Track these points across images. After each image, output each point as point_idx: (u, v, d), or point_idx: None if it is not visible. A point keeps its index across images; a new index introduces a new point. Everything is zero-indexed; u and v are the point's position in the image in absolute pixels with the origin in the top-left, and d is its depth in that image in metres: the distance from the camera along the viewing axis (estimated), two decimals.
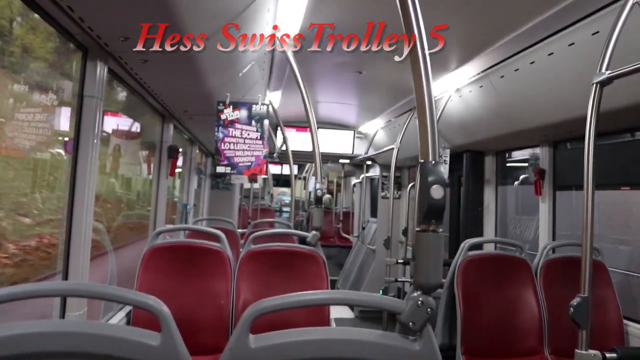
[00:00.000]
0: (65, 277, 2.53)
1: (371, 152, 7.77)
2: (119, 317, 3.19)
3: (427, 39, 1.51)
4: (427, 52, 1.49)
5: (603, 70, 2.34)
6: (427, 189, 1.40)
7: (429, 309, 1.42)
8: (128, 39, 2.37)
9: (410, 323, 1.43)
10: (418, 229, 1.47)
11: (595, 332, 3.03)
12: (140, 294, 1.46)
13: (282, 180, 16.03)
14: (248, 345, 1.39)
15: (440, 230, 1.46)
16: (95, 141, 2.59)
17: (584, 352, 2.24)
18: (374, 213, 9.54)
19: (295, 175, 6.66)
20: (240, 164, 3.76)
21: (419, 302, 1.43)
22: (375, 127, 7.45)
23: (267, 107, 3.80)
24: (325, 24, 3.39)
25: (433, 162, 1.44)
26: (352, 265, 8.96)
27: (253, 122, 3.76)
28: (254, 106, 3.77)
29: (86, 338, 1.36)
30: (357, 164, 9.16)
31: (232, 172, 3.77)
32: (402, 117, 6.14)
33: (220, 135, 3.73)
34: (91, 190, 2.59)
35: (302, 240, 3.55)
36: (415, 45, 1.49)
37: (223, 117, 3.72)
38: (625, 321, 3.51)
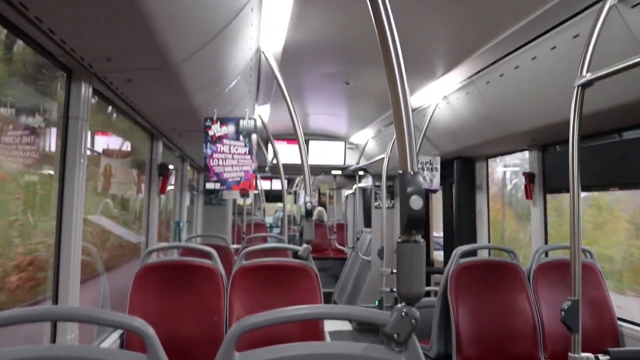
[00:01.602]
0: (55, 300, 2.51)
1: (362, 162, 7.79)
2: (112, 339, 3.17)
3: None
4: (401, 62, 1.50)
5: (584, 73, 2.36)
6: (406, 199, 1.40)
7: (413, 320, 1.42)
8: (111, 59, 2.38)
9: (395, 334, 1.42)
10: (399, 240, 1.47)
11: (590, 335, 3.04)
12: (126, 316, 1.46)
13: (272, 196, 16.01)
14: None
15: (421, 240, 1.46)
16: (82, 161, 2.58)
17: (577, 355, 2.23)
18: (367, 223, 9.54)
19: (286, 190, 6.66)
20: (229, 180, 3.75)
21: (403, 313, 1.42)
22: (366, 137, 7.47)
23: (255, 122, 3.80)
24: (309, 37, 3.42)
25: (412, 172, 1.44)
26: (347, 277, 8.94)
27: (241, 137, 3.75)
28: (241, 121, 3.77)
29: None
30: (349, 175, 9.17)
31: (222, 187, 3.77)
32: (391, 127, 6.15)
33: (209, 151, 3.72)
34: (79, 210, 2.58)
35: (296, 255, 3.54)
36: (389, 55, 1.50)
37: (211, 133, 3.72)
38: (619, 322, 3.51)
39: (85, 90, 2.58)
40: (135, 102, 3.29)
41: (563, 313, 2.31)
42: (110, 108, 3.41)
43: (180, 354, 3.21)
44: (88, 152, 2.77)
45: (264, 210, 14.38)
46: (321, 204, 15.38)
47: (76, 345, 2.38)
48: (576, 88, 2.40)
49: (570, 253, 2.39)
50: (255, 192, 11.69)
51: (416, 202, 1.40)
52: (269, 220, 17.04)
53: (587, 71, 2.37)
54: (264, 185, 13.67)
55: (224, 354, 1.39)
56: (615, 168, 3.68)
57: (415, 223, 1.42)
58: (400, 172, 1.45)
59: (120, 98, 3.11)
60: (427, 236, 7.43)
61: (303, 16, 3.10)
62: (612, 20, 2.41)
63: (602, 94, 2.71)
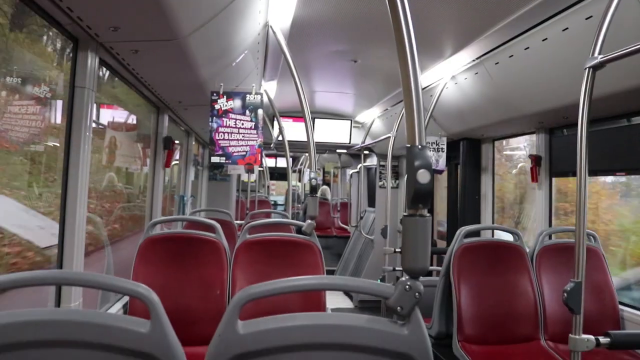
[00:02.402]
0: (60, 268, 2.53)
1: (368, 142, 7.77)
2: (116, 308, 3.20)
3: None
4: (412, 35, 1.48)
5: (596, 54, 2.33)
6: (414, 173, 1.40)
7: (417, 293, 1.42)
8: (118, 29, 2.36)
9: (399, 307, 1.42)
10: (405, 213, 1.47)
11: (591, 318, 3.04)
12: (130, 282, 1.47)
13: (276, 174, 16.00)
14: (237, 331, 1.40)
15: (428, 215, 1.45)
16: (87, 132, 2.58)
17: (577, 336, 2.24)
18: (371, 203, 9.55)
19: (291, 168, 6.66)
20: (234, 154, 3.75)
21: (407, 287, 1.42)
22: (372, 116, 7.44)
23: (261, 97, 3.78)
24: (318, 13, 3.38)
25: (419, 146, 1.43)
26: (350, 255, 8.99)
27: (247, 112, 3.74)
28: (247, 96, 3.76)
29: (76, 326, 1.37)
30: (354, 154, 9.15)
31: (227, 162, 3.76)
32: (398, 106, 6.13)
33: (214, 125, 3.71)
34: (84, 181, 2.58)
35: (299, 231, 3.55)
36: (400, 29, 1.48)
37: (217, 107, 3.71)
38: (620, 307, 3.52)
39: (92, 60, 2.57)
40: (142, 73, 3.28)
41: (565, 294, 2.31)
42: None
43: (182, 326, 3.21)
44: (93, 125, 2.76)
45: (268, 187, 14.39)
46: (325, 182, 15.38)
47: (82, 310, 2.41)
48: (587, 70, 2.37)
49: (575, 236, 2.38)
50: (260, 168, 11.72)
51: (423, 176, 1.39)
52: (278, 199, 16.93)
53: (599, 53, 2.34)
54: (269, 162, 13.67)
55: (228, 322, 1.41)
56: (622, 153, 3.66)
57: (422, 197, 1.41)
58: (408, 146, 1.44)
59: (127, 69, 3.10)
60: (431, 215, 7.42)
61: None
62: (626, 1, 2.37)
63: (611, 77, 2.68)
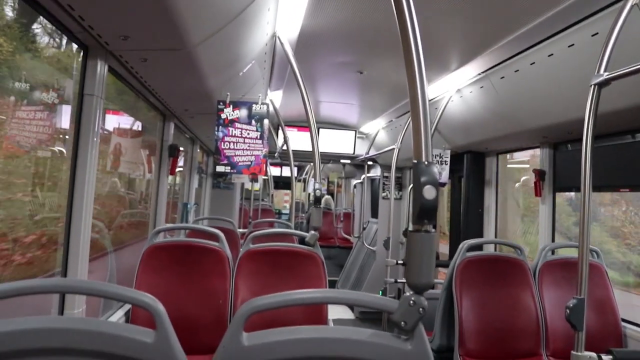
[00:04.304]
0: (64, 276, 2.54)
1: (372, 152, 7.78)
2: (118, 316, 3.20)
3: (422, 39, 1.51)
4: (420, 51, 1.49)
5: (601, 71, 2.35)
6: (420, 189, 1.40)
7: (421, 309, 1.42)
8: (128, 38, 2.38)
9: (402, 322, 1.43)
10: (411, 229, 1.47)
11: (593, 334, 3.04)
12: (136, 291, 1.47)
13: (281, 182, 16.00)
14: (241, 343, 1.40)
15: (433, 230, 1.46)
16: (95, 139, 2.59)
17: (579, 353, 2.24)
18: (374, 214, 9.55)
19: (295, 177, 6.67)
20: (240, 164, 3.76)
21: (411, 302, 1.43)
22: (377, 127, 7.45)
23: (267, 107, 3.80)
24: (325, 24, 3.40)
25: (426, 162, 1.44)
26: (352, 265, 8.97)
27: (253, 122, 3.76)
28: (254, 106, 3.78)
29: (81, 335, 1.37)
30: (358, 164, 9.16)
31: (232, 171, 3.78)
32: (403, 118, 6.14)
33: (220, 134, 3.73)
34: (90, 188, 2.60)
35: (302, 241, 3.55)
36: (409, 44, 1.49)
37: (223, 116, 3.73)
38: (623, 323, 3.51)
39: (101, 67, 2.59)
40: (150, 82, 3.30)
41: (568, 311, 2.31)
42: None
43: (184, 334, 3.22)
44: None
45: (272, 196, 14.40)
46: (329, 192, 15.39)
47: (86, 318, 2.41)
48: (592, 87, 2.38)
49: (578, 252, 2.38)
50: (265, 177, 11.73)
51: (429, 192, 1.40)
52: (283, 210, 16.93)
53: (605, 70, 2.35)
54: (274, 171, 13.67)
55: (233, 334, 1.41)
56: (627, 169, 3.66)
57: (427, 213, 1.42)
58: (415, 161, 1.45)
59: (135, 77, 3.12)
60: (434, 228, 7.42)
61: (320, 2, 3.09)
62: (632, 19, 2.39)
63: (617, 94, 2.70)
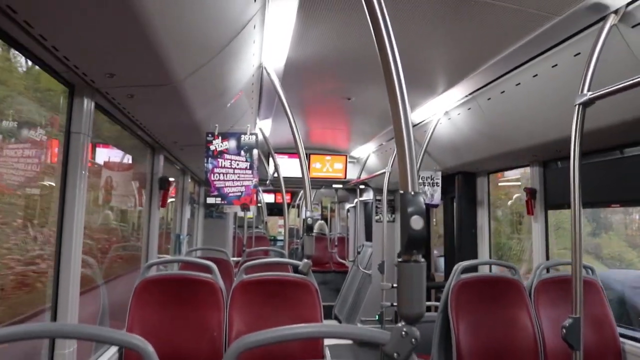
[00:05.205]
0: (54, 314, 2.51)
1: (364, 176, 7.80)
2: (111, 353, 3.16)
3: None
4: (403, 82, 1.50)
5: (585, 91, 2.37)
6: (407, 219, 1.40)
7: (413, 339, 1.42)
8: (114, 75, 2.39)
9: (395, 354, 1.42)
10: (400, 259, 1.47)
11: (591, 352, 3.03)
12: (125, 334, 1.46)
13: (275, 209, 15.96)
14: None
15: (422, 260, 1.46)
16: (83, 174, 2.59)
17: None
18: (368, 237, 9.53)
19: (289, 204, 6.68)
20: (230, 194, 3.76)
21: (403, 333, 1.42)
22: (367, 151, 7.48)
23: (256, 137, 3.81)
24: (311, 53, 3.43)
25: (412, 192, 1.44)
26: (348, 290, 8.92)
27: (242, 152, 3.77)
28: (242, 136, 3.78)
29: None
30: (350, 189, 9.17)
31: (223, 202, 3.77)
32: (393, 142, 6.17)
33: (210, 166, 3.73)
34: (79, 224, 2.58)
35: (296, 269, 3.54)
36: (390, 75, 1.51)
37: (212, 147, 3.73)
38: (621, 339, 3.49)
39: (88, 105, 2.60)
40: (137, 116, 3.31)
41: (564, 330, 2.31)
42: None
43: None
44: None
45: (266, 223, 14.35)
46: (323, 217, 15.36)
47: None
48: (577, 106, 2.41)
49: (571, 270, 2.38)
50: (258, 205, 11.69)
51: (417, 223, 1.40)
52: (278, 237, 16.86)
53: (588, 90, 2.38)
54: (268, 198, 13.65)
55: None
56: (616, 185, 3.68)
57: (415, 243, 1.42)
58: (401, 192, 1.46)
59: (122, 112, 3.13)
60: (428, 251, 7.42)
61: (305, 33, 3.12)
62: (612, 39, 2.43)
63: (603, 112, 2.72)
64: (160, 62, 2.22)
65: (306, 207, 3.57)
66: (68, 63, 2.17)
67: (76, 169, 2.55)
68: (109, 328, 1.51)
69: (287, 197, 13.86)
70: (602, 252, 5.12)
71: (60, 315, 2.52)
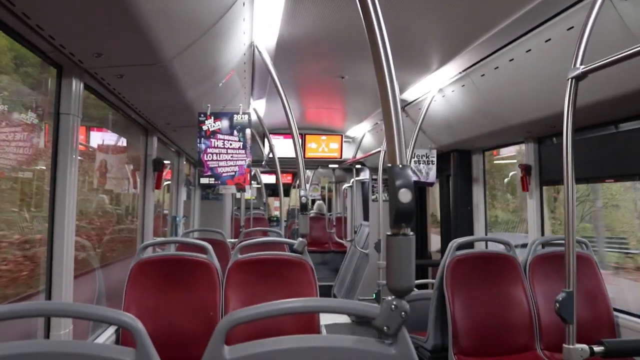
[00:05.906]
0: (49, 296, 2.51)
1: (359, 156, 7.78)
2: (107, 334, 3.17)
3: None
4: (390, 55, 1.49)
5: (578, 65, 2.35)
6: (395, 193, 1.39)
7: (402, 313, 1.42)
8: (102, 55, 2.36)
9: (385, 327, 1.42)
10: (389, 233, 1.46)
11: (586, 326, 3.04)
12: (114, 311, 1.46)
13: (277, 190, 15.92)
14: (223, 357, 1.40)
15: (411, 233, 1.45)
16: (73, 156, 2.57)
17: (571, 346, 2.23)
18: (366, 217, 9.54)
19: (290, 184, 6.67)
20: (224, 174, 3.75)
21: (393, 306, 1.42)
22: (363, 130, 7.46)
23: (249, 116, 3.79)
24: (303, 31, 3.40)
25: (400, 165, 1.43)
26: (346, 270, 8.94)
27: (235, 132, 3.75)
28: (235, 116, 3.76)
29: (63, 357, 1.36)
30: (347, 169, 9.16)
31: (216, 182, 3.76)
32: None
33: (203, 146, 3.71)
34: (72, 206, 2.57)
35: (292, 248, 3.54)
36: (377, 48, 1.49)
37: (205, 128, 3.71)
38: (615, 313, 3.51)
39: (76, 86, 2.57)
40: (128, 97, 3.28)
41: (557, 304, 2.31)
42: None
43: (176, 349, 3.21)
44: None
45: (266, 204, 14.36)
46: (322, 197, 15.38)
47: (65, 341, 2.38)
48: (570, 80, 2.38)
49: (565, 245, 2.38)
50: (258, 186, 11.68)
51: (405, 195, 1.39)
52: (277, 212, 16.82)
53: (581, 63, 2.36)
54: (268, 179, 13.62)
55: (213, 348, 1.41)
56: (610, 160, 3.68)
57: (404, 216, 1.41)
58: (389, 165, 1.45)
59: (113, 93, 3.10)
60: (424, 228, 7.45)
61: (296, 10, 3.09)
62: (606, 12, 2.40)
63: (596, 86, 2.71)
64: (147, 41, 2.19)
65: (301, 186, 3.57)
66: (54, 42, 2.14)
67: (67, 150, 2.53)
68: (98, 306, 1.51)
69: (288, 178, 13.80)
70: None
71: (55, 298, 2.52)
